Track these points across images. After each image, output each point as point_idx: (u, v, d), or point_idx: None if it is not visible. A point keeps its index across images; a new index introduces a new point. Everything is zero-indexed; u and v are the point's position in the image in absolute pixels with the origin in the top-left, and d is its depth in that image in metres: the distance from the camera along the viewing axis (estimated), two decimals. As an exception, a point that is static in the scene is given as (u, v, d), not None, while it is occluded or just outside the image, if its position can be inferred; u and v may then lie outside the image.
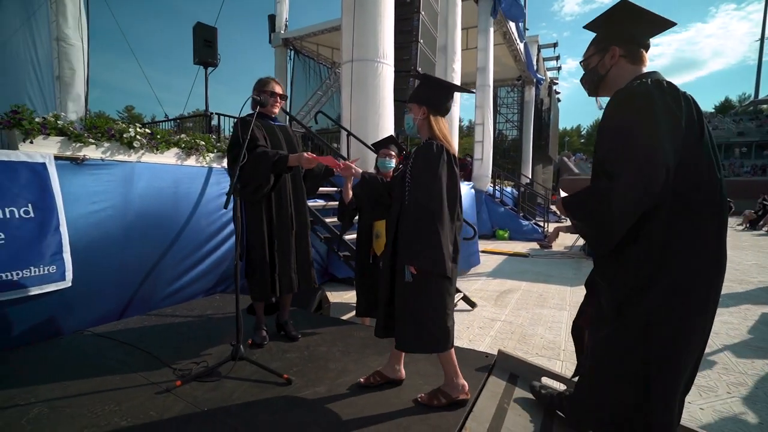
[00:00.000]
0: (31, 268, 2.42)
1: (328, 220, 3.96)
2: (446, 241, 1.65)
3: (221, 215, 3.69)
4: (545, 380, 2.14)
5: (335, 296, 4.37)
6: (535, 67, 15.90)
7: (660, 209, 1.25)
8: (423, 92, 1.84)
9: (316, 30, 12.32)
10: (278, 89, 2.51)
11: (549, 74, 20.37)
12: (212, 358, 2.30)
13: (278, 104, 2.52)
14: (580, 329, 1.67)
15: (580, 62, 1.56)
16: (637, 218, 1.25)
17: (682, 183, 1.24)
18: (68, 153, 2.78)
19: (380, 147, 2.94)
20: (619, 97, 1.32)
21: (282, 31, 12.78)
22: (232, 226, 3.77)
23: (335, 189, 4.93)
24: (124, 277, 2.99)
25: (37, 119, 2.62)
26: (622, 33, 1.42)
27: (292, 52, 13.21)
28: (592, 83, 1.52)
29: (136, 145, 3.08)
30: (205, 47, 5.82)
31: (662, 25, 1.39)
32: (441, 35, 8.39)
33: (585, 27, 1.50)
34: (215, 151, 3.76)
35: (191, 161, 3.60)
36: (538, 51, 17.35)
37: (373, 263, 2.90)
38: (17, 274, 2.36)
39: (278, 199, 2.44)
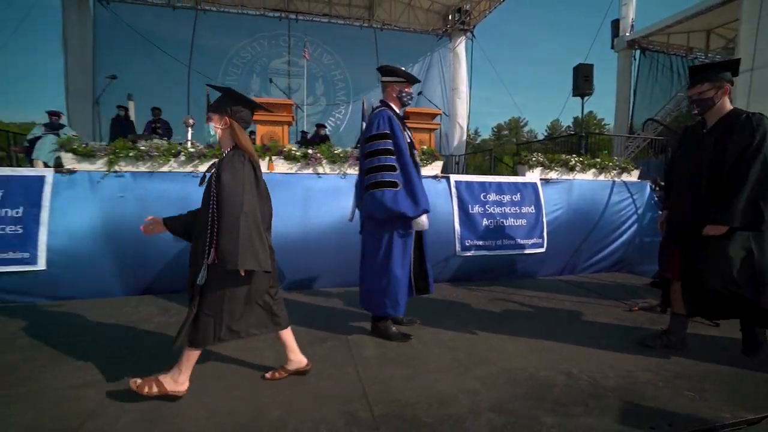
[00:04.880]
0: (534, 239, 4.63)
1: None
2: (263, 243, 1.87)
3: (621, 216, 5.08)
4: None
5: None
6: None
7: None
8: (225, 103, 1.94)
9: (671, 22, 11.68)
10: None
11: None
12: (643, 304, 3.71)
13: None
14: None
15: (693, 93, 2.44)
16: None
17: None
18: (543, 176, 4.93)
19: None
20: (756, 122, 2.27)
21: (627, 33, 12.84)
22: (627, 225, 5.11)
23: None
24: (563, 249, 4.89)
25: (533, 159, 4.86)
26: (728, 77, 2.37)
27: (638, 52, 13.01)
28: (705, 108, 2.40)
29: (576, 168, 4.94)
30: (584, 81, 7.39)
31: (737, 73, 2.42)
32: None
33: (694, 68, 2.50)
34: (617, 168, 5.19)
35: (601, 177, 5.18)
36: None
37: None
38: (524, 242, 4.60)
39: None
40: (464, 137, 13.74)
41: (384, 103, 2.72)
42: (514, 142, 46.85)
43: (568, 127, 45.76)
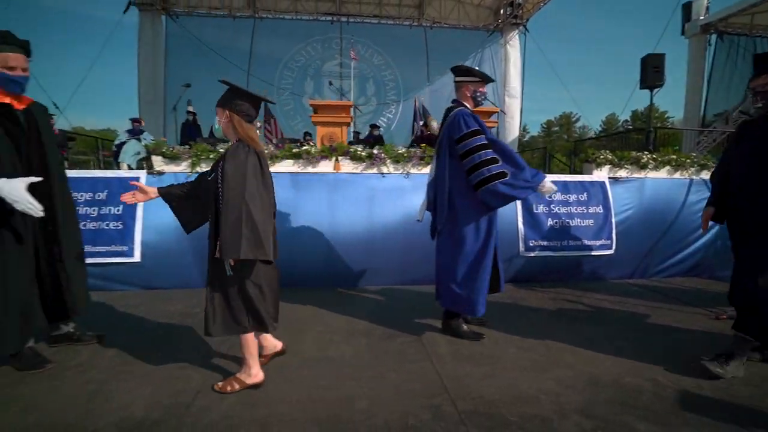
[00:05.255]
0: (602, 240, 4.43)
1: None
2: (265, 232, 1.88)
3: (700, 216, 4.70)
4: None
5: None
6: None
7: None
8: (227, 98, 2.01)
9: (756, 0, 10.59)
10: None
11: None
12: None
13: None
14: None
15: (757, 85, 2.28)
16: None
17: None
18: (611, 175, 4.70)
19: None
20: None
21: (701, 17, 11.84)
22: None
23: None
24: (634, 251, 4.62)
25: (601, 156, 4.64)
26: None
27: (714, 37, 11.95)
28: None
29: (649, 166, 4.66)
30: (653, 72, 6.92)
31: None
32: None
33: (760, 56, 2.33)
34: (695, 165, 4.83)
35: (677, 175, 4.85)
36: None
37: None
38: (591, 243, 4.40)
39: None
40: (516, 134, 13.35)
41: (458, 102, 2.74)
42: (566, 139, 44.80)
43: (626, 121, 43.07)
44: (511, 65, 13.22)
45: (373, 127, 8.92)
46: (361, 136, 9.25)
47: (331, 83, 8.60)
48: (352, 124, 7.38)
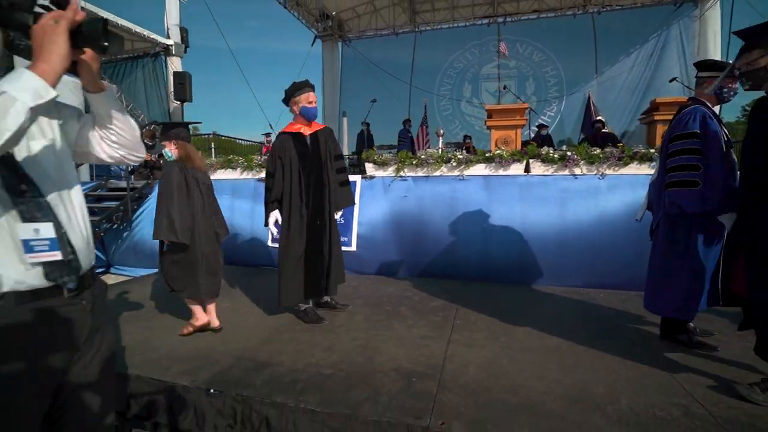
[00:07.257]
0: None
1: None
2: (177, 220, 2.72)
3: None
4: None
5: None
6: None
7: None
8: (165, 132, 2.87)
9: None
10: None
11: None
12: None
13: None
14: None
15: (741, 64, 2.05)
16: None
17: None
18: None
19: None
20: None
21: None
22: None
23: None
24: None
25: None
26: None
27: None
28: (759, 79, 1.99)
29: None
30: None
31: None
32: None
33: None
34: None
35: None
36: None
37: None
38: None
39: None
40: (714, 124, 11.07)
41: (695, 100, 2.60)
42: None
43: None
44: (709, 41, 11.05)
45: (541, 126, 8.66)
46: (525, 137, 9.08)
47: (505, 87, 8.64)
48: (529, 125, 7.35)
